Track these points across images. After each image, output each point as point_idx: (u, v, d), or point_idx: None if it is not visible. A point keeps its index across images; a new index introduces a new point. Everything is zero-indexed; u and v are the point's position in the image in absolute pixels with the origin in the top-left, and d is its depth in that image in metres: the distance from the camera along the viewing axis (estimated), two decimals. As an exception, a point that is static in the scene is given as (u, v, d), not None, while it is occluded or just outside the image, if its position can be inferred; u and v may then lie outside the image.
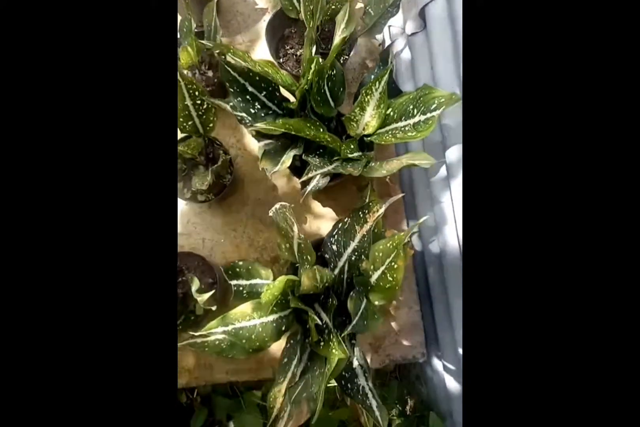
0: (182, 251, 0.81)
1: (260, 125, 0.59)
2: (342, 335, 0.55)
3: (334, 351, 0.56)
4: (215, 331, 0.57)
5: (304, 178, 0.63)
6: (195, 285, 0.60)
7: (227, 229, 0.97)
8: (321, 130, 0.64)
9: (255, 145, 1.01)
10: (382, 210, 0.63)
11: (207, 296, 0.59)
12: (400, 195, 0.62)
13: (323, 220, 0.98)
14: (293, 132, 0.63)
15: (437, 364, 1.00)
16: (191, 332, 0.57)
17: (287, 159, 0.67)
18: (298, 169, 0.84)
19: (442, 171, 0.82)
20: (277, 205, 0.56)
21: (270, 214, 0.60)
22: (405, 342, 0.96)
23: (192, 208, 0.98)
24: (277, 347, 0.92)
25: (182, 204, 0.97)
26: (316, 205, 0.99)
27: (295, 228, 0.58)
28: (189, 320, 0.74)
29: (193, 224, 0.97)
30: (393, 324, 0.96)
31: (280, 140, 0.78)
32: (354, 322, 0.57)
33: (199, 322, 0.77)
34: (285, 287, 0.62)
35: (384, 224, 0.75)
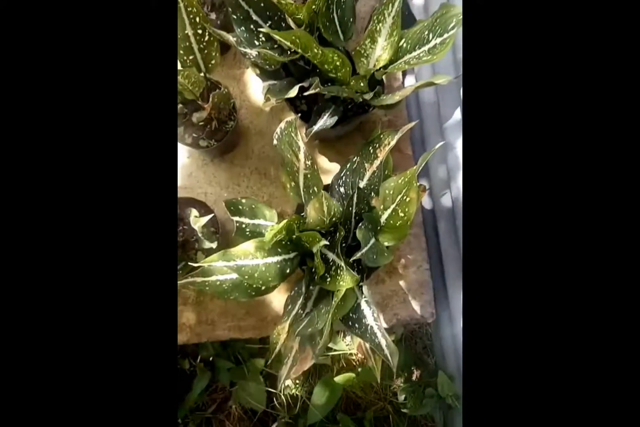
0: (183, 196, 0.78)
1: (265, 30, 0.54)
2: (352, 259, 0.52)
3: (341, 282, 0.52)
4: (216, 265, 0.54)
5: (310, 92, 0.59)
6: (193, 213, 0.57)
7: (231, 183, 0.94)
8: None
9: (259, 97, 0.97)
10: (393, 142, 0.60)
11: (205, 220, 0.55)
12: (414, 122, 0.58)
13: (330, 175, 0.94)
14: (299, 50, 0.58)
15: (447, 325, 0.96)
16: (190, 263, 0.54)
17: (293, 91, 0.63)
18: (305, 114, 0.80)
19: (457, 114, 0.77)
20: (283, 124, 0.53)
21: (275, 141, 0.56)
22: (413, 302, 0.92)
23: (194, 161, 0.94)
24: (281, 305, 0.89)
25: (183, 158, 0.94)
26: (323, 161, 0.95)
27: (302, 154, 0.54)
28: (189, 267, 0.71)
29: (195, 177, 0.94)
30: (401, 282, 0.92)
31: (285, 79, 0.74)
32: (363, 250, 0.53)
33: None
34: (291, 225, 0.58)
35: (393, 170, 0.71)
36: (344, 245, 0.63)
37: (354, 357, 1.28)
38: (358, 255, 0.53)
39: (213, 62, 0.73)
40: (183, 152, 0.94)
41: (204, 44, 0.69)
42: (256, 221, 0.64)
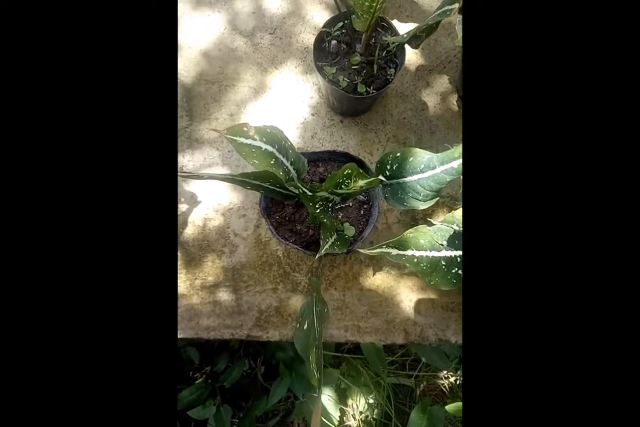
0: (321, 150, 0.62)
1: None
2: None
3: None
4: (452, 227, 0.37)
5: None
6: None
7: (361, 150, 0.77)
8: None
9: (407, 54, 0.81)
10: None
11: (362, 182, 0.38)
12: None
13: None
14: None
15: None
16: (431, 220, 0.36)
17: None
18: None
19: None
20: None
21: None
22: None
23: (320, 120, 0.78)
24: (412, 306, 0.71)
25: (307, 115, 0.78)
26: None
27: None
28: (343, 238, 0.54)
29: (319, 139, 0.77)
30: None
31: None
32: None
33: (352, 243, 0.57)
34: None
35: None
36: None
37: (443, 381, 1.09)
38: None
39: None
40: (307, 109, 0.78)
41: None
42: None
